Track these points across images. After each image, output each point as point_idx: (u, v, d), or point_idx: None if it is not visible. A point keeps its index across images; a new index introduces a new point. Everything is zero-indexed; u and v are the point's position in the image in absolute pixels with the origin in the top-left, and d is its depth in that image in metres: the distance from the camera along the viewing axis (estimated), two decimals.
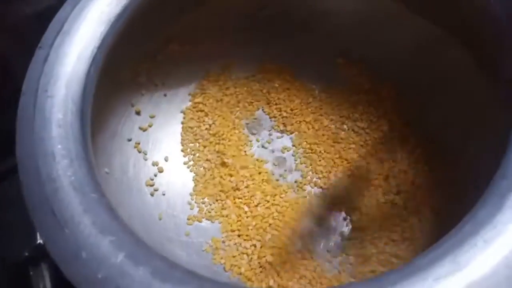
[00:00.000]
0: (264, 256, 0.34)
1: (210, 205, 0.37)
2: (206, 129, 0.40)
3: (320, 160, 0.39)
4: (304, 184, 0.38)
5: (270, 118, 0.41)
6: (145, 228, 0.33)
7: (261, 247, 0.35)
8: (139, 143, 0.37)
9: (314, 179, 0.38)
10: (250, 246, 0.35)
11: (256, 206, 0.37)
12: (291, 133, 0.40)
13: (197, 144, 0.39)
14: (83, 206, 0.22)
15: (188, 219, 0.36)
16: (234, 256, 0.34)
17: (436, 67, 0.36)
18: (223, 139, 0.40)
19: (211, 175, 0.38)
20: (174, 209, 0.36)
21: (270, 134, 0.41)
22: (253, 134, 0.41)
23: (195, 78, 0.41)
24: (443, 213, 0.34)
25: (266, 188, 0.38)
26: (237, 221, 0.36)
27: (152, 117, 0.38)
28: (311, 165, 0.39)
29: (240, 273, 0.34)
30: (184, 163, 0.39)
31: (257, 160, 0.39)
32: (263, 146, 0.40)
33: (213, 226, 0.36)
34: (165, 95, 0.39)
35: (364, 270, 0.33)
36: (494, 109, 0.28)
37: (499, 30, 0.28)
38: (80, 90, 0.27)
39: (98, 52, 0.28)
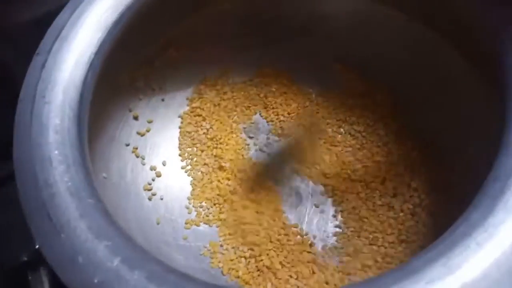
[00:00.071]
0: (262, 260, 0.34)
1: (208, 209, 0.37)
2: (203, 133, 0.40)
3: (317, 163, 0.39)
4: (302, 188, 0.38)
5: (267, 122, 0.42)
6: (143, 232, 0.33)
7: (258, 251, 0.35)
8: (137, 148, 0.37)
9: (311, 182, 0.38)
10: (248, 249, 0.35)
11: (254, 209, 0.37)
12: (288, 137, 0.41)
13: (195, 149, 0.39)
14: (79, 211, 0.22)
15: (186, 223, 0.36)
16: (231, 260, 0.35)
17: (431, 70, 0.36)
18: (220, 143, 0.40)
19: (208, 179, 0.38)
20: (172, 213, 0.36)
21: (267, 138, 0.41)
22: (250, 138, 0.41)
23: (192, 82, 0.41)
24: (439, 216, 0.34)
25: (264, 192, 0.38)
26: (235, 224, 0.36)
27: (149, 122, 0.38)
28: (308, 168, 0.39)
29: (238, 277, 0.34)
30: (182, 168, 0.39)
31: (254, 164, 0.39)
32: (260, 150, 0.40)
33: (211, 230, 0.36)
34: (162, 100, 0.39)
35: (361, 273, 0.33)
36: (487, 111, 0.28)
37: (492, 34, 0.28)
38: (77, 96, 0.27)
39: (96, 58, 0.29)
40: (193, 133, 0.40)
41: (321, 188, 0.38)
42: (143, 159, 0.37)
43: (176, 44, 0.38)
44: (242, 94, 0.42)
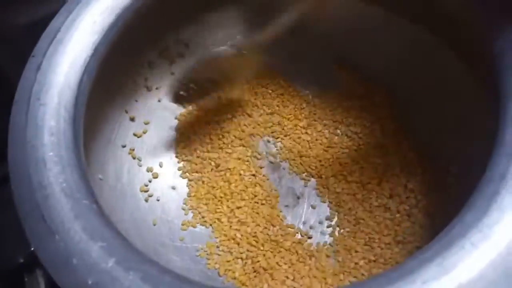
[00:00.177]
0: (258, 261, 0.34)
1: (204, 210, 0.37)
2: (200, 134, 0.40)
3: (313, 165, 0.39)
4: (299, 189, 0.38)
5: (264, 123, 0.41)
6: (139, 234, 0.33)
7: (255, 252, 0.35)
8: (133, 149, 0.37)
9: (308, 184, 0.38)
10: (244, 250, 0.35)
11: (251, 210, 0.37)
12: (284, 138, 0.41)
13: (191, 150, 0.39)
14: (74, 212, 0.22)
15: (182, 224, 0.36)
16: (228, 261, 0.35)
17: (428, 72, 0.36)
18: (217, 144, 0.40)
19: (205, 180, 0.38)
20: (169, 215, 0.36)
21: (265, 140, 0.41)
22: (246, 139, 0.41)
23: None
24: (435, 217, 0.34)
25: (261, 193, 0.38)
26: (231, 226, 0.36)
27: (146, 123, 0.38)
28: (305, 170, 0.39)
29: (234, 278, 0.34)
30: (179, 169, 0.39)
31: (251, 165, 0.39)
32: (257, 151, 0.40)
33: (208, 231, 0.36)
34: (159, 101, 0.40)
35: (357, 273, 0.33)
36: (483, 112, 0.28)
37: (486, 34, 0.28)
38: (72, 98, 0.27)
39: (91, 60, 0.29)
40: (189, 134, 0.40)
41: (318, 189, 0.38)
42: (140, 160, 0.37)
43: (172, 46, 0.38)
44: (239, 96, 0.42)
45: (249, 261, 0.34)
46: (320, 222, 0.36)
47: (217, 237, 0.36)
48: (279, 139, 0.41)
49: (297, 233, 0.36)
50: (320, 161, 0.39)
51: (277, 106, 0.42)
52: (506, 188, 0.22)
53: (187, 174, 0.39)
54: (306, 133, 0.40)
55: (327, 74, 0.42)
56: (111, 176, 0.34)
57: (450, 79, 0.34)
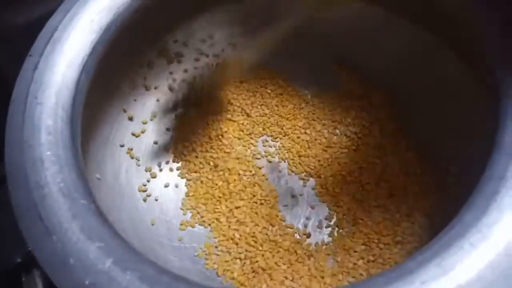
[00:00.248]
0: (257, 261, 0.34)
1: (203, 210, 0.37)
2: (198, 134, 0.40)
3: (312, 165, 0.39)
4: (298, 189, 0.38)
5: (263, 123, 0.41)
6: (137, 234, 0.33)
7: (254, 252, 0.35)
8: (131, 149, 0.37)
9: (307, 184, 0.38)
10: (243, 250, 0.35)
11: (250, 210, 0.37)
12: (283, 138, 0.40)
13: (190, 149, 0.39)
14: (71, 212, 0.22)
15: (181, 224, 0.36)
16: (226, 261, 0.34)
17: (427, 72, 0.36)
18: (216, 144, 0.40)
19: (203, 180, 0.38)
20: (167, 215, 0.36)
21: (263, 139, 0.41)
22: (246, 139, 0.41)
23: None
24: (435, 217, 0.34)
25: (259, 192, 0.38)
26: (230, 226, 0.36)
27: (144, 123, 0.38)
28: (304, 170, 0.39)
29: (233, 278, 0.34)
30: (177, 169, 0.39)
31: (250, 165, 0.39)
32: (256, 151, 0.40)
33: (206, 231, 0.36)
34: (157, 100, 0.39)
35: (356, 273, 0.33)
36: (482, 112, 0.28)
37: (484, 34, 0.28)
38: (70, 97, 0.27)
39: (89, 59, 0.29)
40: (188, 134, 0.40)
41: (317, 189, 0.38)
42: (138, 160, 0.37)
43: (171, 46, 0.38)
44: (238, 96, 0.42)
45: (248, 261, 0.34)
46: (319, 222, 0.36)
47: (215, 237, 0.36)
48: (278, 139, 0.41)
49: (296, 233, 0.36)
50: (319, 161, 0.39)
51: (276, 106, 0.42)
52: (506, 187, 0.22)
53: (185, 174, 0.38)
54: (305, 133, 0.40)
55: (327, 74, 0.42)
56: (109, 176, 0.34)
57: (450, 79, 0.34)
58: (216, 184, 0.38)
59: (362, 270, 0.33)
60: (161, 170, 0.38)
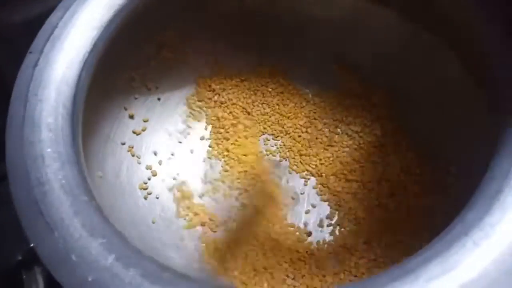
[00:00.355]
0: (258, 260, 0.34)
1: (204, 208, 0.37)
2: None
3: (313, 163, 0.39)
4: (299, 188, 0.38)
5: (264, 121, 0.41)
6: (138, 232, 0.33)
7: (255, 250, 0.35)
8: (132, 147, 0.37)
9: (308, 182, 0.38)
10: (245, 249, 0.35)
11: (252, 209, 0.37)
12: (284, 136, 0.40)
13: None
14: (73, 208, 0.22)
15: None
16: (227, 260, 0.34)
17: (428, 71, 0.36)
18: (215, 143, 0.40)
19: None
20: (168, 213, 0.36)
21: (265, 138, 0.41)
22: (247, 138, 0.41)
23: (188, 82, 0.41)
24: (435, 217, 0.34)
25: (261, 192, 0.38)
26: (231, 224, 0.36)
27: (145, 121, 0.38)
28: (305, 168, 0.39)
29: (234, 277, 0.34)
30: (178, 167, 0.39)
31: (251, 163, 0.39)
32: (257, 150, 0.40)
33: (207, 230, 0.36)
34: (158, 99, 0.39)
35: (358, 272, 0.33)
36: (482, 112, 0.28)
37: (484, 34, 0.28)
38: (71, 95, 0.27)
39: (90, 57, 0.28)
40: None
41: (318, 188, 0.38)
42: (139, 158, 0.37)
43: (172, 43, 0.38)
44: (239, 94, 0.42)
45: (249, 260, 0.34)
46: (320, 221, 0.36)
47: (216, 236, 0.35)
48: (279, 138, 0.41)
49: (297, 232, 0.36)
50: (320, 160, 0.39)
51: (277, 104, 0.41)
52: (509, 187, 0.22)
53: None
54: (306, 131, 0.40)
55: (327, 73, 0.42)
56: (110, 174, 0.34)
57: (450, 79, 0.34)
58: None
59: (364, 269, 0.33)
60: (161, 168, 0.38)
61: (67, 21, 0.29)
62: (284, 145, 0.40)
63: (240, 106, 0.41)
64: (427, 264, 0.20)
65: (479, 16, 0.29)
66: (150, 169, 0.37)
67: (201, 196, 0.37)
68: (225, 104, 0.41)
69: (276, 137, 0.41)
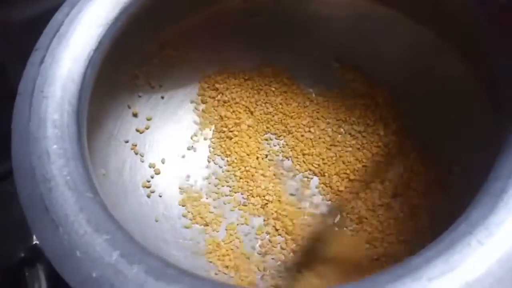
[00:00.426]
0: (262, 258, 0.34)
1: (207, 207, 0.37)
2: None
3: (316, 163, 0.39)
4: (301, 187, 0.38)
5: (267, 121, 0.41)
6: (141, 230, 0.33)
7: (259, 248, 0.35)
8: (136, 145, 0.37)
9: (311, 182, 0.38)
10: (248, 247, 0.35)
11: (254, 208, 0.37)
12: (287, 136, 0.40)
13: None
14: (78, 204, 0.22)
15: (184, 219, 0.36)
16: (230, 258, 0.34)
17: (431, 71, 0.36)
18: (217, 142, 0.40)
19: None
20: (171, 211, 0.36)
21: (267, 138, 0.41)
22: (250, 137, 0.41)
23: (192, 81, 0.41)
24: (438, 216, 0.34)
25: (264, 191, 0.38)
26: (234, 222, 0.36)
27: (149, 119, 0.38)
28: (308, 168, 0.39)
29: (235, 276, 0.34)
30: (181, 165, 0.39)
31: (253, 162, 0.39)
32: (260, 149, 0.40)
33: (210, 228, 0.36)
34: (162, 97, 0.39)
35: (361, 272, 0.33)
36: (486, 111, 0.28)
37: (486, 33, 0.28)
38: (76, 92, 0.27)
39: (95, 54, 0.28)
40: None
41: (321, 187, 0.38)
42: (142, 156, 0.37)
43: (175, 42, 0.38)
44: (242, 93, 0.42)
45: (253, 258, 0.34)
46: (323, 221, 0.36)
47: (219, 234, 0.36)
48: (282, 137, 0.41)
49: (299, 230, 0.36)
50: (323, 159, 0.39)
51: (280, 104, 0.41)
52: None
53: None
54: (309, 131, 0.40)
55: (330, 73, 0.42)
56: (113, 172, 0.34)
57: (451, 79, 0.34)
58: (220, 182, 0.38)
59: (366, 269, 0.33)
60: (165, 166, 0.38)
61: (73, 18, 0.29)
62: (287, 144, 0.40)
63: (243, 105, 0.41)
64: (430, 263, 0.20)
65: (479, 16, 0.29)
66: (153, 167, 0.37)
67: (203, 194, 0.37)
68: (228, 103, 0.41)
69: (279, 136, 0.41)
